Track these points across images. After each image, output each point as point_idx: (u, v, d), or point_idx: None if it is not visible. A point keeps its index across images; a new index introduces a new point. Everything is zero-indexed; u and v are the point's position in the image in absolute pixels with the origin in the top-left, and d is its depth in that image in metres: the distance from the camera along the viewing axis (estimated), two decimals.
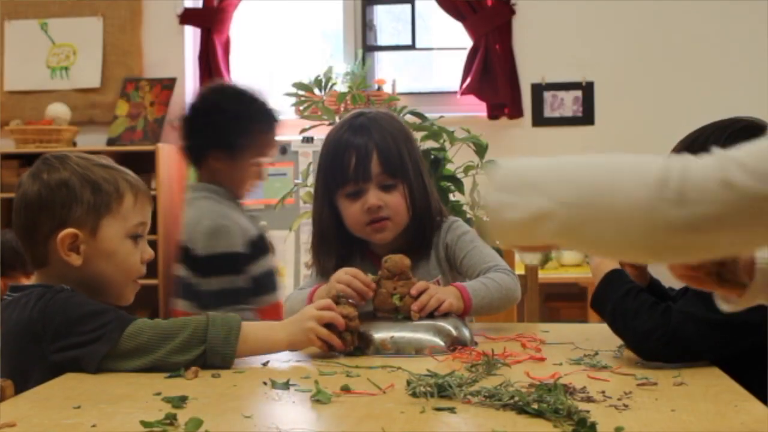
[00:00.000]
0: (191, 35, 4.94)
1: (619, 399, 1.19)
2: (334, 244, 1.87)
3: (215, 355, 1.41)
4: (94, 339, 1.38)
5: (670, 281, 1.74)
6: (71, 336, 1.39)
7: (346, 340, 1.50)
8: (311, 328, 1.49)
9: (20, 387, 1.29)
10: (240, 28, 4.97)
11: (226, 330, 1.42)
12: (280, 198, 3.05)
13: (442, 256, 1.89)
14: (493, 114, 4.67)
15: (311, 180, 2.90)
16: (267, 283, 2.29)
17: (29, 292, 1.47)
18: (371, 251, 1.91)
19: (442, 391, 1.20)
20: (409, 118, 2.69)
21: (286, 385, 1.28)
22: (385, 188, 1.82)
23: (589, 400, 1.18)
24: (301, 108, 3.05)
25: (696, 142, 1.56)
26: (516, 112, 4.67)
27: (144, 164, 4.49)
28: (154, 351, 1.38)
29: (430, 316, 1.63)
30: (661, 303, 1.46)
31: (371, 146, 1.80)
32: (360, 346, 1.55)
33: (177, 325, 1.41)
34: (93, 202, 1.50)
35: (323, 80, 3.02)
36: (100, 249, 1.51)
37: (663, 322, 1.42)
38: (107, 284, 1.54)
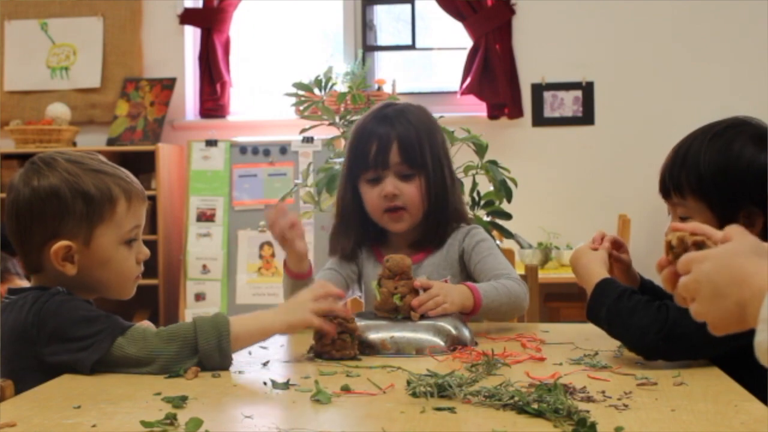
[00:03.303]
0: (191, 35, 4.94)
1: (619, 399, 1.19)
2: (354, 227, 1.93)
3: (212, 361, 1.40)
4: (85, 346, 1.37)
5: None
6: (64, 341, 1.38)
7: (346, 342, 1.50)
8: (308, 308, 1.47)
9: (16, 389, 1.29)
10: (240, 28, 4.97)
11: (217, 335, 1.40)
12: (280, 198, 3.05)
13: (455, 257, 1.91)
14: (493, 114, 4.67)
15: (311, 180, 2.91)
16: None
17: (25, 294, 1.46)
18: (377, 250, 1.95)
19: (442, 391, 1.20)
20: None
21: (286, 385, 1.28)
22: (403, 178, 1.87)
23: (589, 400, 1.18)
24: (301, 108, 3.05)
25: (681, 149, 1.57)
26: (516, 112, 4.68)
27: (144, 164, 4.49)
28: (146, 365, 1.38)
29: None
30: (655, 300, 1.46)
31: (393, 136, 1.86)
32: (364, 353, 1.54)
33: (164, 338, 1.39)
34: (85, 212, 1.47)
35: (323, 80, 3.02)
36: (95, 258, 1.49)
37: (660, 317, 1.42)
38: (105, 288, 1.54)
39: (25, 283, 1.57)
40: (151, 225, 4.45)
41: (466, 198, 2.58)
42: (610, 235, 1.71)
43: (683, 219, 1.56)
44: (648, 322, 1.42)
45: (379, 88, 4.57)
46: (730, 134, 1.54)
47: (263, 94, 5.00)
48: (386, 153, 1.86)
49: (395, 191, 1.86)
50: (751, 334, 1.41)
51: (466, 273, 1.91)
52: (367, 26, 4.92)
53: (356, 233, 1.94)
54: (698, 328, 1.39)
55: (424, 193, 1.87)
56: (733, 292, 0.95)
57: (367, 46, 4.90)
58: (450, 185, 1.92)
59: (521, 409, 1.12)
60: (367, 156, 1.87)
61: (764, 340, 0.88)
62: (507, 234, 2.62)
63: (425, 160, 1.87)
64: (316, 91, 3.02)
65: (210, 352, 1.39)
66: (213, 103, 4.85)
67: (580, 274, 1.64)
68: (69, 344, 1.38)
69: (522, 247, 3.09)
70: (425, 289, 1.64)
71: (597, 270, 1.59)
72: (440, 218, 1.90)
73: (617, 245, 1.71)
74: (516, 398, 1.14)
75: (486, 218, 2.58)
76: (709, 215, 1.51)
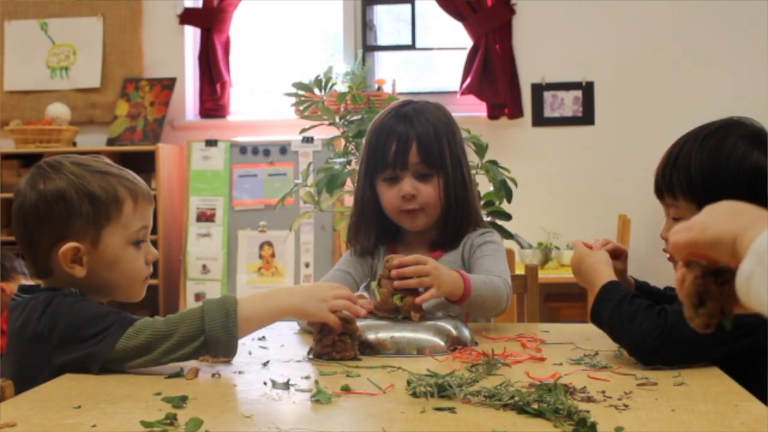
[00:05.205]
0: (191, 35, 4.94)
1: (619, 399, 1.19)
2: (373, 224, 1.93)
3: (217, 344, 1.39)
4: (97, 342, 1.37)
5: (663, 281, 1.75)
6: (75, 341, 1.38)
7: (346, 344, 1.50)
8: (328, 304, 1.47)
9: (28, 388, 1.29)
10: (240, 28, 4.98)
11: (224, 315, 1.39)
12: (280, 198, 3.05)
13: (467, 255, 1.92)
14: (493, 114, 4.67)
15: (311, 180, 2.90)
16: None
17: (37, 295, 1.46)
18: (393, 248, 1.95)
19: (442, 391, 1.20)
20: None
21: (286, 385, 1.28)
22: (421, 177, 1.87)
23: (589, 400, 1.18)
24: (301, 108, 3.05)
25: (674, 150, 1.57)
26: (516, 112, 4.68)
27: (144, 164, 4.50)
28: (153, 350, 1.38)
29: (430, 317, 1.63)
30: (656, 305, 1.46)
31: (412, 135, 1.86)
32: (364, 353, 1.54)
33: (173, 321, 1.39)
34: (92, 213, 1.47)
35: (323, 80, 3.02)
36: (103, 259, 1.49)
37: (660, 323, 1.42)
38: (114, 289, 1.54)
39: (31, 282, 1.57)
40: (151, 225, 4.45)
41: None
42: (612, 243, 1.71)
43: (676, 220, 1.55)
44: (647, 327, 1.42)
45: (379, 88, 4.57)
46: (720, 135, 1.53)
47: (263, 94, 5.00)
48: (405, 153, 1.85)
49: (413, 192, 1.86)
50: (747, 336, 1.41)
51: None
52: (367, 26, 4.92)
53: (376, 230, 1.94)
54: (696, 333, 1.40)
55: (442, 192, 1.87)
56: (746, 219, 0.92)
57: (367, 46, 4.90)
58: (468, 184, 1.93)
59: (521, 409, 1.12)
60: (386, 155, 1.87)
61: (746, 270, 0.87)
62: (507, 234, 2.62)
63: (444, 160, 1.87)
64: (316, 91, 3.02)
65: (216, 332, 1.38)
66: (213, 103, 4.86)
67: (586, 275, 1.63)
68: (80, 343, 1.38)
69: (522, 247, 3.10)
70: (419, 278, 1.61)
71: (604, 271, 1.59)
72: (458, 217, 1.90)
73: (617, 252, 1.71)
74: (516, 398, 1.14)
75: (486, 218, 2.58)
76: None
